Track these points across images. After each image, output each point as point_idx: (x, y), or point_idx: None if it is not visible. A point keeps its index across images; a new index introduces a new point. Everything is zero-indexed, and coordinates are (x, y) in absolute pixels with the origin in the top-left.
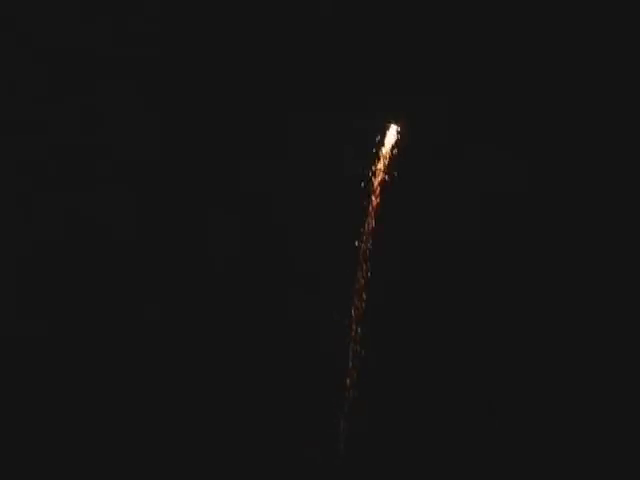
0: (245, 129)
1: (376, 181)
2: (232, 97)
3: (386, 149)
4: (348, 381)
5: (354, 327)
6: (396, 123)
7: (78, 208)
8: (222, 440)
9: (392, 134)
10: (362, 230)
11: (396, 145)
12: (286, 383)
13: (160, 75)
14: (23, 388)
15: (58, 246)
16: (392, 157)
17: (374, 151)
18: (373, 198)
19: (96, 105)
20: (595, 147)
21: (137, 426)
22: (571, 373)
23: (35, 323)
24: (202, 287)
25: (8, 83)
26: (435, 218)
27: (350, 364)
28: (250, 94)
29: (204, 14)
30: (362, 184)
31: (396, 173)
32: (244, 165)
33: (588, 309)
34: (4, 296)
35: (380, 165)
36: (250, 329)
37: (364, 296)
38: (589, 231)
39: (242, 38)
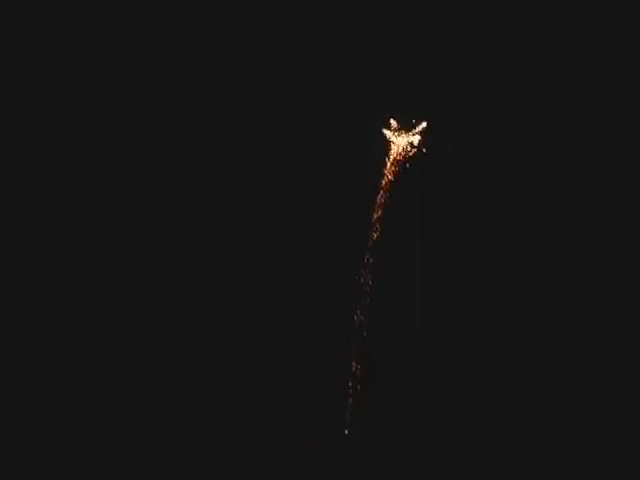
0: (249, 132)
1: (383, 187)
2: (236, 98)
3: (394, 153)
4: (351, 383)
5: (357, 328)
6: (407, 130)
7: (78, 207)
8: (223, 440)
9: (401, 139)
10: (367, 238)
11: (406, 149)
12: (288, 383)
13: (161, 75)
14: (24, 385)
15: (59, 245)
16: (400, 161)
17: (383, 153)
18: (379, 204)
19: (96, 105)
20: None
21: (140, 424)
22: (569, 375)
23: (35, 322)
24: (203, 287)
25: (8, 83)
26: (441, 223)
27: (353, 365)
28: (255, 95)
29: (206, 16)
30: (368, 187)
31: (403, 178)
32: (247, 167)
33: (591, 312)
34: (4, 296)
35: (388, 169)
36: (253, 329)
37: (369, 293)
38: (602, 238)
39: (249, 41)
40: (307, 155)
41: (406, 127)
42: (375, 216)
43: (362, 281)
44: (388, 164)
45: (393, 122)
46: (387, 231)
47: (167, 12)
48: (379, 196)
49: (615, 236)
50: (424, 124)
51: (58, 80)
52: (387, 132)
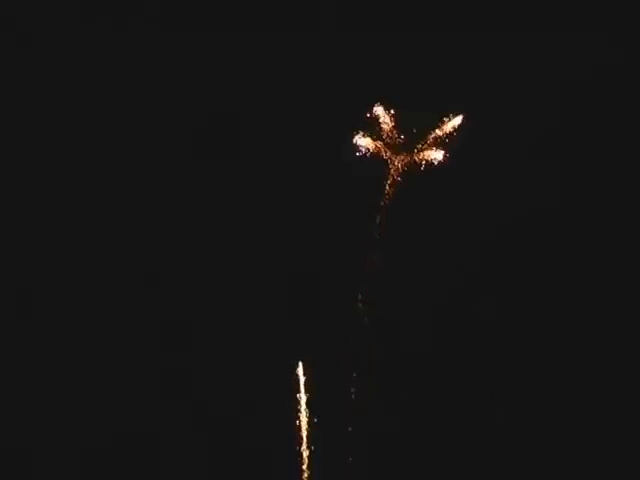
0: (248, 132)
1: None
2: (236, 98)
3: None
4: (352, 383)
5: (358, 329)
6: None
7: (78, 207)
8: (223, 440)
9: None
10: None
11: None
12: (288, 385)
13: (161, 75)
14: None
15: (58, 245)
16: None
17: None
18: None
19: (96, 105)
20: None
21: (140, 424)
22: (568, 373)
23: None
24: (203, 287)
25: (8, 83)
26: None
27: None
28: (254, 95)
29: (206, 16)
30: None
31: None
32: (247, 167)
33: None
34: (5, 297)
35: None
36: (252, 329)
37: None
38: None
39: (249, 41)
40: (307, 153)
41: (404, 142)
42: (377, 217)
43: (363, 288)
44: (387, 183)
45: (379, 110)
46: (388, 233)
47: (167, 12)
48: (381, 196)
49: (615, 235)
50: (458, 119)
51: (58, 80)
52: (379, 146)
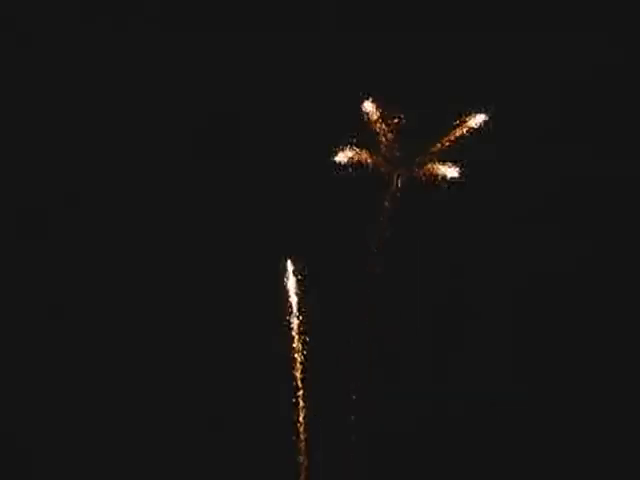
0: (248, 132)
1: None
2: (236, 98)
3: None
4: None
5: (358, 328)
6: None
7: (77, 206)
8: (223, 440)
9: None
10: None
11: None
12: (288, 385)
13: (161, 75)
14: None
15: (57, 244)
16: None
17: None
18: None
19: (96, 105)
20: None
21: (139, 424)
22: (569, 375)
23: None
24: (203, 286)
25: (8, 83)
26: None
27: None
28: (254, 95)
29: (206, 16)
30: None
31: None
32: (247, 167)
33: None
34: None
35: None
36: (252, 329)
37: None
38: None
39: (249, 41)
40: (307, 153)
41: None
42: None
43: (364, 285)
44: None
45: (369, 105)
46: (387, 240)
47: (167, 12)
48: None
49: (615, 235)
50: (482, 117)
51: (58, 80)
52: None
